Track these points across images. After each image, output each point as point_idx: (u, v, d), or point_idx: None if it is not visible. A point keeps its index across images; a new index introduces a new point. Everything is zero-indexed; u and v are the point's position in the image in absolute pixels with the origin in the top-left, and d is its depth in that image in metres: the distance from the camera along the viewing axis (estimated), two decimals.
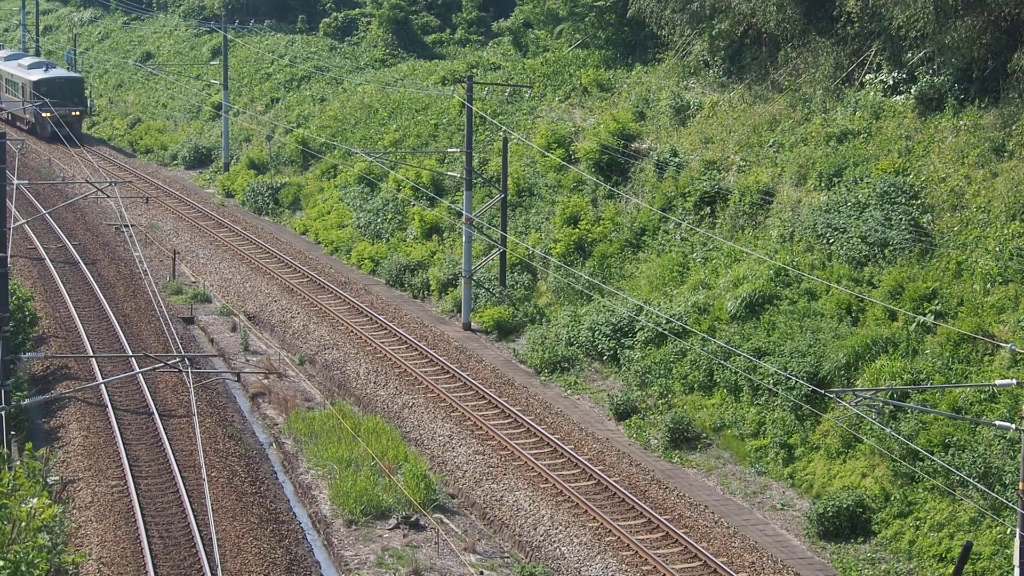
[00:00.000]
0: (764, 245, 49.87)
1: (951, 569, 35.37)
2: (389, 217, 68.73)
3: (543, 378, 51.81)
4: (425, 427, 48.30)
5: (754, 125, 55.44)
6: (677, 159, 56.60)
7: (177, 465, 43.12)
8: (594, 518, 40.21)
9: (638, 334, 50.06)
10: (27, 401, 43.95)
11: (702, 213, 53.84)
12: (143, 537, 38.18)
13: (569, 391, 50.50)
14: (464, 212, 58.28)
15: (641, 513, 40.35)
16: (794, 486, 41.93)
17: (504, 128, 65.47)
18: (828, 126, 51.91)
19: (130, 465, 43.26)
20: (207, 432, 45.71)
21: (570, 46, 75.30)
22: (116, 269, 67.17)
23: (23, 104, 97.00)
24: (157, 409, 47.94)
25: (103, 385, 48.26)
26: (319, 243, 71.73)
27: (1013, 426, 30.58)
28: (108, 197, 70.79)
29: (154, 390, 49.89)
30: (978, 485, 36.06)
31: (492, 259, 59.72)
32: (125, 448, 44.58)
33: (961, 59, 47.56)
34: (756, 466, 43.28)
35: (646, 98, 62.91)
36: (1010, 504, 34.60)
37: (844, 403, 39.85)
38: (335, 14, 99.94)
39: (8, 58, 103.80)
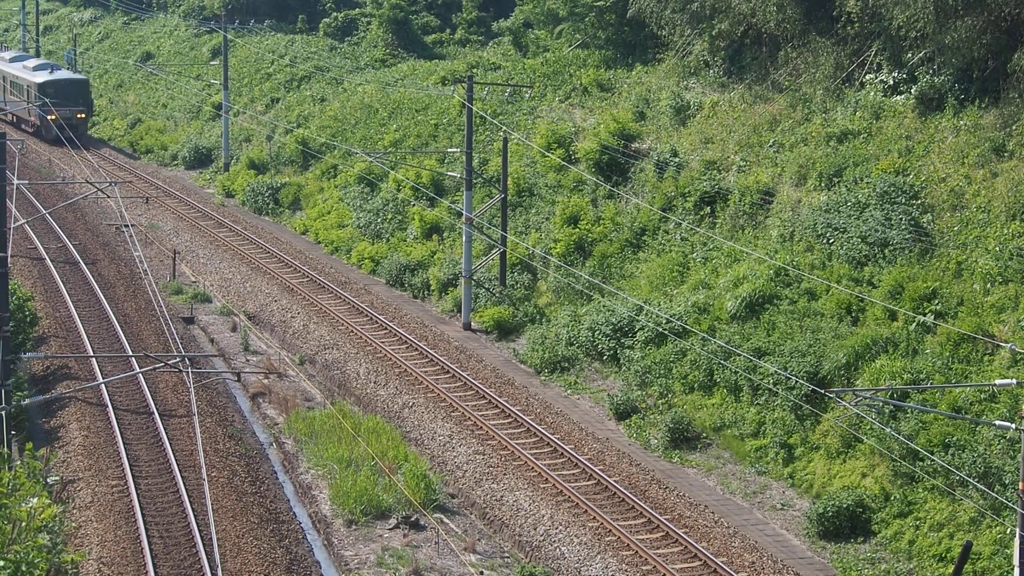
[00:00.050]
0: (764, 245, 49.88)
1: (951, 569, 35.37)
2: (389, 217, 68.74)
3: (543, 378, 51.82)
4: (425, 427, 48.31)
5: (754, 125, 55.45)
6: (677, 159, 56.61)
7: (177, 465, 43.13)
8: (594, 518, 40.22)
9: (638, 334, 50.06)
10: (27, 401, 43.96)
11: (702, 213, 53.85)
12: (143, 537, 38.19)
13: (569, 391, 50.50)
14: (464, 212, 58.28)
15: (641, 513, 40.36)
16: (794, 486, 41.94)
17: (504, 128, 65.48)
18: (828, 126, 51.92)
19: (130, 465, 43.26)
20: (207, 432, 45.72)
21: (570, 46, 75.31)
22: (116, 269, 67.18)
23: (28, 106, 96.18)
24: (157, 409, 47.94)
25: (103, 385, 48.27)
26: (319, 243, 71.74)
27: (1013, 426, 30.58)
28: (108, 197, 70.79)
29: (154, 390, 49.90)
30: (978, 485, 36.06)
31: (492, 259, 59.73)
32: (125, 448, 44.59)
33: (961, 59, 47.57)
34: (756, 466, 43.29)
35: (646, 98, 62.92)
36: (1010, 504, 34.61)
37: (844, 403, 39.86)
38: (335, 14, 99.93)
39: (13, 60, 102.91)
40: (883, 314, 43.13)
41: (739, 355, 44.99)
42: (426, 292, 62.17)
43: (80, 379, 51.24)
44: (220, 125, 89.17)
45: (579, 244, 57.63)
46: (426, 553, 39.32)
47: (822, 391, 41.08)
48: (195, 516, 39.45)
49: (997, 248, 41.91)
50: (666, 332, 48.38)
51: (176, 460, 43.55)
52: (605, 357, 51.13)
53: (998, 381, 32.46)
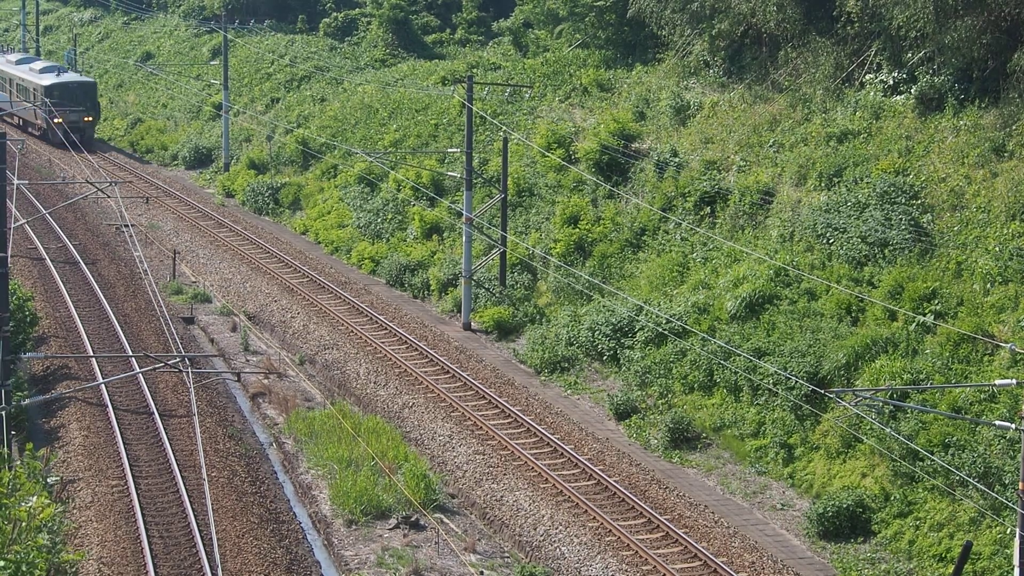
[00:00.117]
0: (764, 245, 49.88)
1: (951, 569, 35.37)
2: (389, 217, 68.74)
3: (543, 378, 51.82)
4: (425, 427, 48.31)
5: (754, 125, 55.45)
6: (677, 159, 56.61)
7: (177, 465, 43.13)
8: (594, 518, 40.22)
9: (638, 334, 50.06)
10: (27, 401, 43.94)
11: (702, 213, 53.85)
12: (143, 537, 38.19)
13: (569, 391, 50.50)
14: (464, 212, 58.28)
15: (641, 513, 40.36)
16: (794, 486, 41.94)
17: (504, 128, 65.48)
18: (828, 126, 51.92)
19: (130, 465, 43.26)
20: (207, 432, 45.72)
21: (570, 46, 75.30)
22: (116, 269, 67.18)
23: (34, 109, 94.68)
24: (157, 409, 47.94)
25: (103, 385, 48.27)
26: (319, 243, 71.74)
27: (1013, 426, 30.58)
28: (108, 197, 70.79)
29: (154, 390, 49.90)
30: (978, 485, 36.06)
31: (492, 259, 59.73)
32: (125, 448, 44.59)
33: (961, 59, 47.57)
34: (756, 466, 43.29)
35: (646, 98, 62.92)
36: (1010, 504, 34.61)
37: (844, 403, 39.86)
38: (335, 14, 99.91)
39: (19, 62, 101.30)
40: (883, 314, 43.13)
41: (739, 355, 44.99)
42: (426, 292, 62.17)
43: (80, 379, 51.24)
44: (220, 125, 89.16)
45: (579, 244, 57.62)
46: (426, 553, 39.33)
47: (822, 391, 41.08)
48: (195, 516, 39.45)
49: (997, 248, 41.91)
50: (666, 332, 48.38)
51: (176, 460, 43.55)
52: (605, 357, 51.13)
53: (998, 381, 32.46)
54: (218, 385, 52.82)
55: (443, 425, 47.95)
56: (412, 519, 41.03)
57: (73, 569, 35.37)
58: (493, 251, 59.87)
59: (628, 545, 38.59)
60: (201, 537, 38.25)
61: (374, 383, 52.49)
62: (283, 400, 50.96)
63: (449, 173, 66.27)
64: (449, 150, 68.61)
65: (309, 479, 44.59)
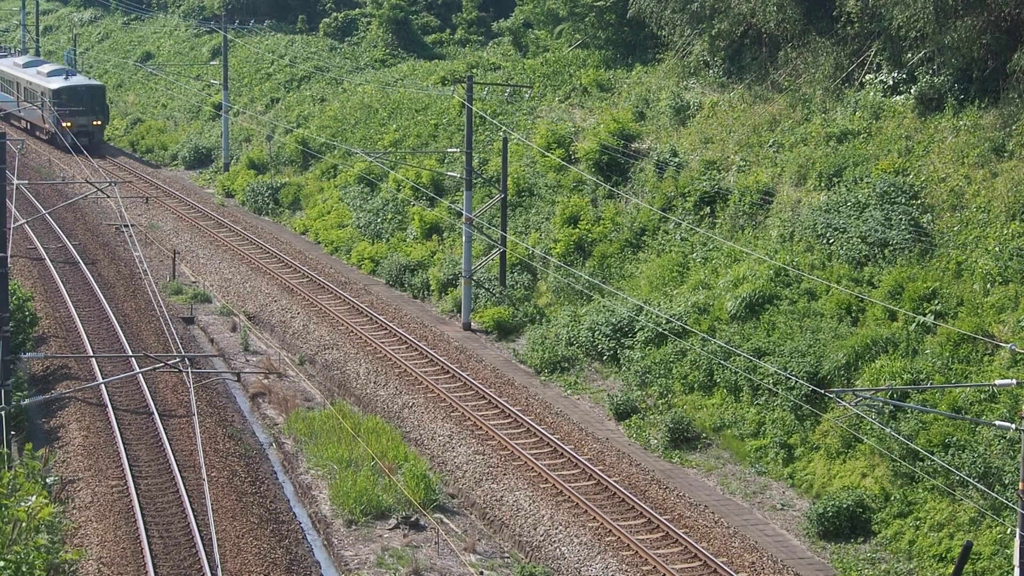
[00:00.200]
0: (764, 245, 49.87)
1: (951, 569, 35.36)
2: (389, 217, 68.73)
3: (543, 378, 51.81)
4: (425, 427, 48.30)
5: (754, 125, 55.44)
6: (677, 159, 56.60)
7: (177, 465, 43.12)
8: (594, 518, 40.21)
9: (638, 334, 50.06)
10: (27, 401, 43.96)
11: (702, 213, 53.84)
12: (143, 537, 38.18)
13: (569, 391, 50.49)
14: (464, 212, 58.27)
15: (641, 513, 40.35)
16: (794, 486, 41.93)
17: (504, 128, 65.47)
18: (828, 126, 51.91)
19: (130, 465, 43.26)
20: (207, 432, 45.71)
21: (570, 46, 75.30)
22: (116, 269, 67.18)
23: (42, 113, 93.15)
24: (157, 409, 47.94)
25: (103, 385, 48.26)
26: (319, 243, 71.74)
27: (1013, 426, 30.58)
28: (108, 197, 70.78)
29: (154, 390, 49.89)
30: (978, 485, 36.05)
31: (492, 259, 59.72)
32: (125, 448, 44.58)
33: (961, 59, 47.56)
34: (756, 466, 43.28)
35: (646, 98, 62.92)
36: (1010, 504, 34.60)
37: (844, 403, 39.85)
38: (335, 14, 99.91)
39: (27, 65, 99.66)
40: (883, 314, 43.12)
41: (739, 355, 44.98)
42: (426, 292, 62.17)
43: (80, 379, 51.24)
44: (220, 125, 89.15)
45: (579, 244, 57.62)
46: (426, 553, 39.32)
47: (822, 391, 41.07)
48: (195, 516, 39.44)
49: (997, 248, 41.90)
50: (666, 332, 48.37)
51: (176, 460, 43.55)
52: (605, 357, 51.13)
53: (998, 381, 32.45)
54: (218, 385, 52.82)
55: (443, 425, 47.94)
56: (412, 519, 41.02)
57: (72, 568, 35.36)
58: (493, 251, 59.86)
59: (628, 545, 38.58)
60: (201, 537, 38.25)
61: (374, 383, 52.49)
62: (283, 400, 50.95)
63: (449, 173, 66.26)
64: (449, 150, 68.61)
65: (309, 479, 44.58)
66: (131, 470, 42.84)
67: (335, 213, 72.65)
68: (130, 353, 51.76)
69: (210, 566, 36.43)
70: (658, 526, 39.57)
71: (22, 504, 22.23)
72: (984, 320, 40.50)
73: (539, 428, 46.31)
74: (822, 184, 49.59)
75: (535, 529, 40.54)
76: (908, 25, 48.33)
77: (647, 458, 44.57)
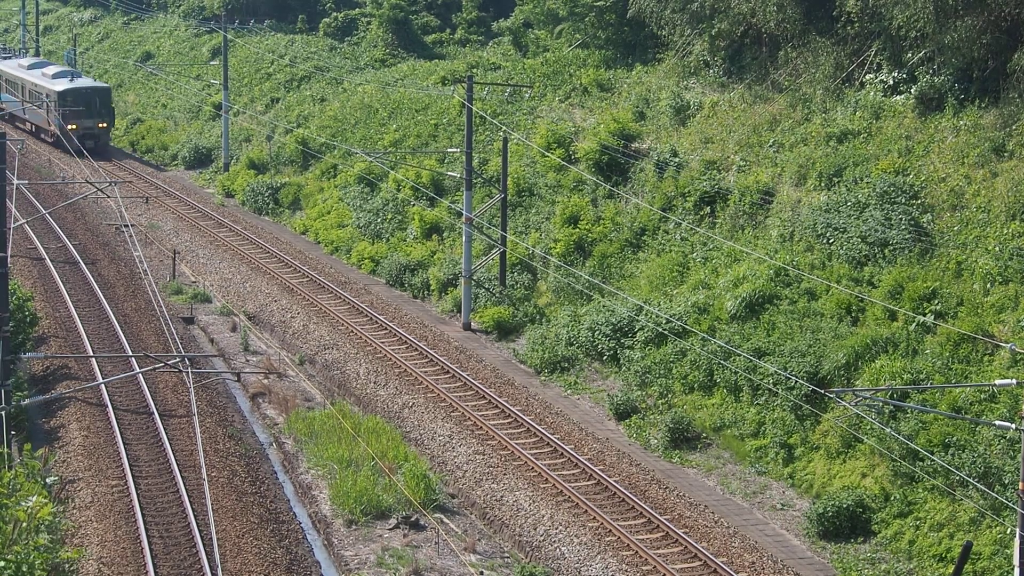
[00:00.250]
0: (764, 245, 49.87)
1: (951, 569, 35.37)
2: (389, 217, 68.73)
3: (543, 378, 51.81)
4: (425, 427, 48.30)
5: (754, 125, 55.44)
6: (677, 159, 56.60)
7: (177, 465, 43.12)
8: (594, 518, 40.21)
9: (638, 334, 50.06)
10: (27, 401, 43.95)
11: (702, 213, 53.84)
12: (143, 537, 38.19)
13: (569, 391, 50.49)
14: (464, 212, 58.27)
15: (641, 513, 40.35)
16: (794, 486, 41.93)
17: (504, 128, 65.47)
18: (828, 126, 51.92)
19: (130, 465, 43.26)
20: (207, 432, 45.71)
21: (570, 46, 75.30)
22: (116, 269, 67.18)
23: (47, 115, 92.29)
24: (157, 409, 47.94)
25: (103, 385, 48.27)
26: (319, 243, 71.74)
27: (1013, 426, 30.58)
28: (108, 197, 70.78)
29: (154, 390, 49.90)
30: (978, 485, 36.06)
31: (492, 259, 59.72)
32: (125, 448, 44.58)
33: (961, 59, 47.57)
34: (756, 466, 43.29)
35: (646, 98, 62.92)
36: (1010, 504, 34.60)
37: (844, 403, 39.85)
38: (335, 14, 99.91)
39: (32, 67, 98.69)
40: (883, 314, 43.12)
41: (739, 355, 44.98)
42: (426, 292, 62.17)
43: (80, 379, 51.24)
44: (220, 125, 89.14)
45: (579, 244, 57.62)
46: (426, 553, 39.32)
47: (822, 391, 41.07)
48: (195, 516, 39.45)
49: (997, 248, 41.90)
50: (666, 332, 48.37)
51: (176, 460, 43.55)
52: (605, 357, 51.13)
53: (998, 381, 32.45)
54: (218, 385, 52.82)
55: (443, 425, 47.94)
56: (412, 519, 41.02)
57: (72, 567, 35.35)
58: (493, 251, 59.87)
59: (628, 545, 38.58)
60: (201, 537, 38.25)
61: (374, 383, 52.49)
62: (283, 400, 50.95)
63: (449, 173, 66.26)
64: (449, 150, 68.61)
65: (309, 479, 44.58)
66: (131, 470, 42.85)
67: (335, 213, 72.66)
68: (130, 353, 51.76)
69: (210, 566, 36.44)
70: (658, 526, 39.57)
71: (22, 504, 22.25)
72: (984, 320, 40.51)
73: (539, 428, 46.31)
74: (822, 184, 49.59)
75: (535, 529, 40.55)
76: (908, 25, 48.33)
77: (647, 458, 44.57)
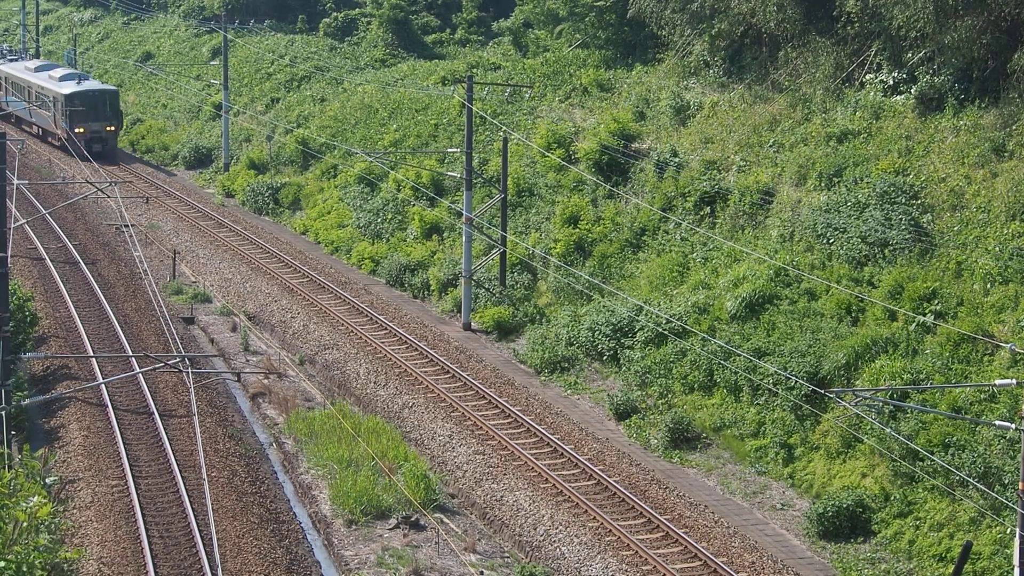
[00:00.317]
0: (764, 245, 49.88)
1: (951, 569, 35.37)
2: (389, 217, 68.74)
3: (543, 378, 51.81)
4: (425, 427, 48.31)
5: (754, 125, 55.45)
6: (677, 159, 56.61)
7: (177, 465, 43.13)
8: (594, 518, 40.21)
9: (638, 334, 50.06)
10: (27, 401, 43.96)
11: (702, 213, 53.85)
12: (143, 537, 38.19)
13: (569, 391, 50.50)
14: (464, 212, 58.28)
15: (641, 513, 40.36)
16: (794, 486, 41.93)
17: (504, 128, 65.48)
18: (828, 126, 51.92)
19: (130, 465, 43.27)
20: (207, 432, 45.72)
21: (570, 46, 75.31)
22: (116, 269, 67.19)
23: (54, 119, 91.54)
24: (157, 409, 47.95)
25: (103, 385, 48.27)
26: (319, 243, 71.74)
27: (1013, 426, 30.59)
28: (108, 197, 70.78)
29: (154, 390, 49.90)
30: (978, 485, 36.06)
31: (492, 259, 59.73)
32: (125, 448, 44.59)
33: (961, 59, 47.57)
34: (756, 466, 43.29)
35: (646, 98, 62.92)
36: (1010, 504, 34.60)
37: (844, 403, 39.85)
38: (335, 14, 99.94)
39: (38, 69, 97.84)
40: (883, 314, 43.13)
41: (739, 355, 44.98)
42: (426, 292, 62.17)
43: (80, 379, 51.24)
44: (220, 125, 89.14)
45: (579, 244, 57.62)
46: (426, 553, 39.33)
47: (822, 391, 41.07)
48: (195, 516, 39.45)
49: (997, 248, 41.90)
50: (666, 332, 48.37)
51: (176, 460, 43.55)
52: (605, 357, 51.13)
53: (998, 381, 32.45)
54: (218, 385, 52.82)
55: (443, 425, 47.95)
56: (412, 519, 41.02)
57: (71, 567, 35.35)
58: (493, 251, 59.87)
59: (628, 545, 38.58)
60: (201, 537, 38.26)
61: (374, 383, 52.50)
62: (283, 400, 50.96)
63: (449, 173, 66.27)
64: (449, 150, 68.62)
65: (309, 479, 44.58)
66: (131, 470, 42.85)
67: (335, 213, 72.66)
68: (130, 353, 51.77)
69: (210, 566, 36.44)
70: (658, 526, 39.57)
71: (22, 505, 22.26)
72: (984, 320, 40.51)
73: (539, 428, 46.31)
74: (822, 184, 49.60)
75: (535, 529, 40.55)
76: (908, 25, 48.33)
77: (647, 458, 44.58)
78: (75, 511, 40.18)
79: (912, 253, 44.30)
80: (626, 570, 37.52)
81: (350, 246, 69.00)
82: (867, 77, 52.29)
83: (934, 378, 39.71)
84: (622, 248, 56.10)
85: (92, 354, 52.96)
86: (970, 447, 37.36)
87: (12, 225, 45.58)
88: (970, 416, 37.98)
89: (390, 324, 57.37)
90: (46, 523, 24.69)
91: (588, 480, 42.74)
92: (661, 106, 60.98)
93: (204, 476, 38.34)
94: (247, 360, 56.33)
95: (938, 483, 37.61)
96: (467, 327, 57.45)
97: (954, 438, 37.96)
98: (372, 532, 40.72)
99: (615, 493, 41.59)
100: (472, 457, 45.37)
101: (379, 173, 72.26)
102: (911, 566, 36.98)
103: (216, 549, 35.18)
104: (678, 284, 51.88)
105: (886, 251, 45.04)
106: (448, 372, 52.00)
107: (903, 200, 45.89)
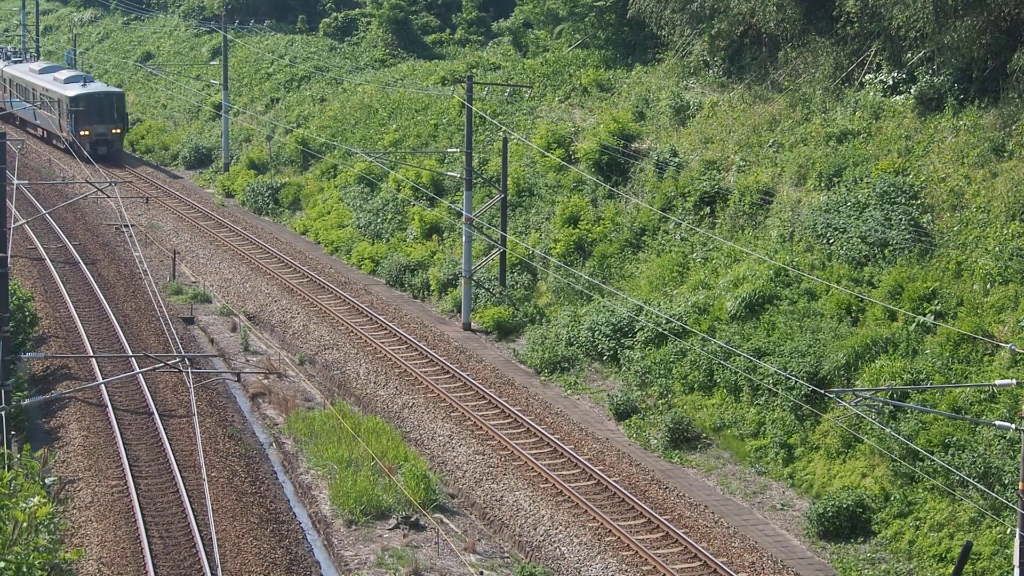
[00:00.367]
0: (764, 245, 49.88)
1: (951, 569, 35.37)
2: (389, 217, 68.74)
3: (543, 378, 51.81)
4: (425, 427, 48.31)
5: (754, 125, 55.45)
6: (677, 159, 56.61)
7: (177, 465, 43.13)
8: (594, 518, 40.21)
9: (638, 334, 50.06)
10: (27, 401, 43.96)
11: (702, 213, 53.85)
12: (143, 537, 38.19)
13: (569, 391, 50.50)
14: (464, 212, 58.28)
15: (641, 513, 40.35)
16: (794, 486, 41.93)
17: (504, 128, 65.48)
18: (828, 126, 51.92)
19: (130, 465, 43.26)
20: (207, 432, 45.71)
21: (570, 46, 75.31)
22: (116, 269, 67.18)
23: (59, 121, 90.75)
24: (157, 409, 47.94)
25: (103, 385, 48.27)
26: (319, 243, 71.74)
27: (1013, 426, 30.58)
28: (108, 197, 70.78)
29: (154, 390, 49.90)
30: (978, 485, 36.06)
31: (492, 259, 59.73)
32: (125, 448, 44.59)
33: (961, 59, 47.57)
34: (756, 466, 43.29)
35: (646, 98, 62.92)
36: (1010, 504, 34.60)
37: (844, 403, 39.85)
38: (335, 14, 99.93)
39: (43, 71, 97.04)
40: (883, 314, 43.13)
41: (739, 355, 44.98)
42: (426, 292, 62.17)
43: (80, 379, 51.24)
44: (220, 125, 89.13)
45: (579, 244, 57.62)
46: (426, 553, 39.32)
47: (822, 391, 41.07)
48: (195, 516, 39.45)
49: (997, 248, 41.90)
50: (666, 332, 48.37)
51: (176, 460, 43.55)
52: (605, 357, 51.12)
53: (998, 381, 32.46)
54: (218, 385, 52.82)
55: (443, 425, 47.95)
56: (412, 519, 41.02)
57: (71, 568, 35.34)
58: (493, 251, 59.87)
59: (628, 545, 38.58)
60: (201, 537, 38.25)
61: (374, 383, 52.49)
62: (283, 400, 50.96)
63: (449, 173, 66.27)
64: (449, 150, 68.62)
65: (309, 479, 44.58)
66: (131, 470, 42.85)
67: (335, 213, 72.66)
68: (130, 353, 51.77)
69: (210, 566, 36.44)
70: (658, 526, 39.57)
71: (22, 505, 22.26)
72: (984, 320, 40.51)
73: (539, 428, 46.31)
74: (822, 184, 49.60)
75: (535, 529, 40.55)
76: (908, 25, 48.33)
77: (647, 458, 44.58)
78: (75, 511, 40.19)
79: (912, 253, 44.30)
80: (626, 570, 37.52)
81: (350, 246, 69.00)
82: (867, 77, 52.29)
83: (934, 378, 39.71)
84: (622, 248, 56.10)
85: (92, 354, 52.95)
86: (970, 447, 37.36)
87: (12, 225, 45.57)
88: (970, 416, 37.98)
89: (390, 324, 57.37)
90: (46, 523, 24.69)
91: (588, 480, 42.74)
92: (661, 106, 60.98)
93: (204, 476, 38.33)
94: (247, 360, 56.33)
95: (938, 483, 37.61)
96: (467, 327, 57.45)
97: (954, 438, 37.96)
98: (372, 532, 40.71)
99: (615, 493, 41.59)
100: (472, 457, 45.37)
101: (379, 173, 72.26)
102: (911, 566, 36.98)
103: (216, 549, 35.18)
104: (678, 284, 51.88)
105: (886, 251, 45.04)
106: (448, 372, 52.00)
107: (903, 200, 45.89)
